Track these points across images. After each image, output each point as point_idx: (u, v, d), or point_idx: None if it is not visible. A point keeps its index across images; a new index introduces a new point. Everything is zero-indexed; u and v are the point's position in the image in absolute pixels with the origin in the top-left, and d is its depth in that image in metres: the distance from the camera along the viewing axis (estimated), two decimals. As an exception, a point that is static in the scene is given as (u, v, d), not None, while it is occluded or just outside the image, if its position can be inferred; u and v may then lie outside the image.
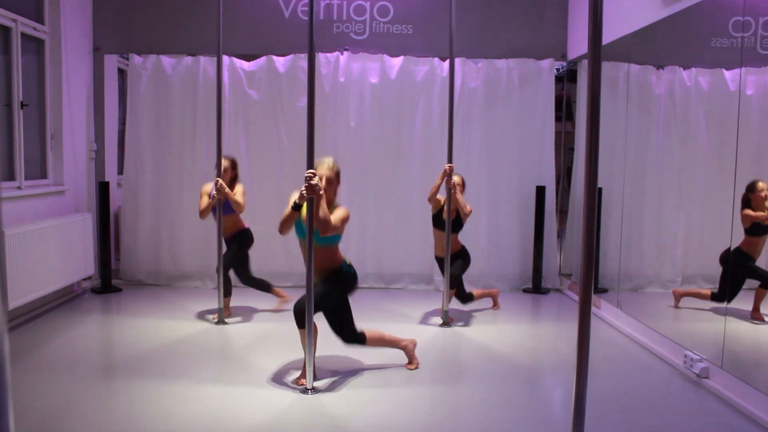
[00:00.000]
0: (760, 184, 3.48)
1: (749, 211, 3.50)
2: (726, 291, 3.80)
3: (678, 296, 4.34)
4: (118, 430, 2.93)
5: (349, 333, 3.58)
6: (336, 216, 3.40)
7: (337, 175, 3.54)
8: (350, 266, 3.59)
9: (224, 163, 4.71)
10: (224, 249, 4.75)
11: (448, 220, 4.69)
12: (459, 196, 4.70)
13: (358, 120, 5.96)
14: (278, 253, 5.82)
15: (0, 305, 1.57)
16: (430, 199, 4.81)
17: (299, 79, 5.91)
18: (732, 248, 3.63)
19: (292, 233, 3.49)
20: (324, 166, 3.48)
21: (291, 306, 3.54)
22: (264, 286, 5.01)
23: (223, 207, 4.63)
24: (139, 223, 6.02)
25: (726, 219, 3.59)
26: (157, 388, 3.42)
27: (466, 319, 4.99)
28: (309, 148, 3.32)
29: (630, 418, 3.16)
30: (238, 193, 4.68)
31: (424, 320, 4.94)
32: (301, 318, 3.39)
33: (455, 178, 4.71)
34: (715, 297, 3.95)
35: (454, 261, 4.80)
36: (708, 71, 4.16)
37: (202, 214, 4.69)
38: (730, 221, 3.56)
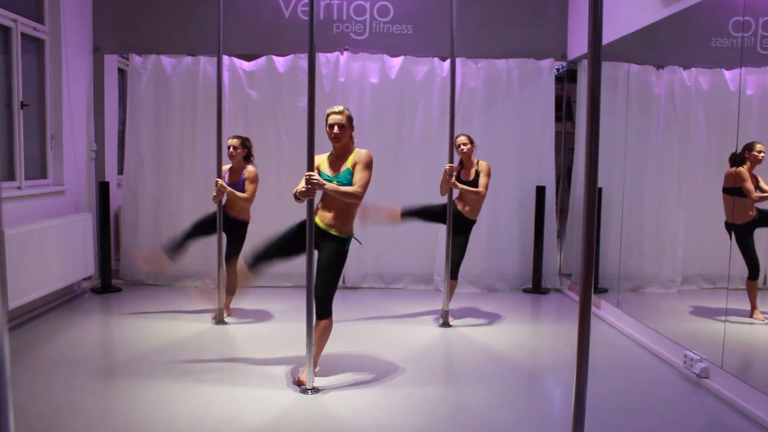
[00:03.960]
0: (759, 146, 3.47)
1: (742, 175, 3.46)
2: (754, 268, 3.63)
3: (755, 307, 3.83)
4: (118, 430, 2.93)
5: (323, 302, 3.43)
6: (361, 178, 3.41)
7: (350, 120, 3.55)
8: (349, 243, 3.54)
9: (233, 141, 4.68)
10: (224, 245, 4.71)
11: (449, 226, 4.68)
12: (463, 187, 4.68)
13: (358, 120, 5.94)
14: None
15: (0, 305, 1.57)
16: (442, 194, 4.79)
17: (299, 79, 5.91)
18: (726, 223, 3.61)
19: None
20: (335, 111, 3.49)
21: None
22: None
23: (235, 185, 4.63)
24: (139, 223, 6.02)
25: (724, 219, 3.59)
26: (157, 388, 3.42)
27: (466, 319, 4.99)
28: (309, 148, 3.33)
29: (630, 418, 3.16)
30: (248, 179, 4.65)
31: (424, 320, 4.94)
32: (255, 265, 3.58)
33: (462, 139, 4.74)
34: (751, 277, 3.67)
35: (457, 237, 4.76)
36: (708, 71, 4.16)
37: (214, 200, 4.67)
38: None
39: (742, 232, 3.58)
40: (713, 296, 3.92)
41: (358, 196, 3.41)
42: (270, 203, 5.87)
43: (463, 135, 4.80)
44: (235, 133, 5.92)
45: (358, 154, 3.49)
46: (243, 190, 4.64)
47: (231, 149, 4.66)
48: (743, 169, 3.52)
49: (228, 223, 4.72)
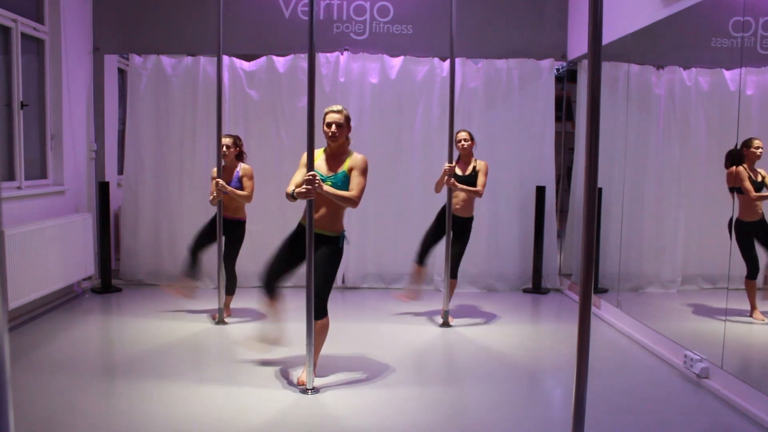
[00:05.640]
0: (757, 142, 3.48)
1: (738, 169, 3.47)
2: (753, 266, 3.64)
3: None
4: (118, 430, 2.93)
5: (319, 302, 3.40)
6: (358, 183, 3.43)
7: (348, 119, 3.54)
8: (343, 242, 3.55)
9: (225, 140, 4.65)
10: (222, 238, 4.70)
11: (448, 226, 4.68)
12: (462, 187, 4.68)
13: (358, 120, 5.96)
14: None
15: (0, 305, 1.57)
16: (437, 192, 4.81)
17: (299, 79, 5.91)
18: (733, 221, 3.59)
19: None
20: (334, 110, 3.49)
21: None
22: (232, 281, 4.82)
23: (231, 182, 4.63)
24: (139, 223, 6.02)
25: (726, 219, 3.59)
26: (157, 388, 3.42)
27: (466, 319, 4.99)
28: (309, 148, 3.32)
29: (630, 418, 3.16)
30: (246, 176, 4.66)
31: (424, 320, 4.94)
32: (269, 287, 3.54)
33: (462, 134, 4.78)
34: (749, 276, 3.68)
35: (457, 237, 4.76)
36: (708, 71, 4.16)
37: (212, 203, 4.68)
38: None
39: (745, 230, 3.58)
40: (713, 296, 3.92)
41: (354, 202, 3.43)
42: (270, 203, 5.87)
43: (464, 131, 4.84)
44: (235, 133, 5.94)
45: (355, 159, 3.49)
46: (240, 188, 4.65)
47: (224, 148, 4.64)
48: (742, 169, 3.53)
49: (226, 225, 4.71)
